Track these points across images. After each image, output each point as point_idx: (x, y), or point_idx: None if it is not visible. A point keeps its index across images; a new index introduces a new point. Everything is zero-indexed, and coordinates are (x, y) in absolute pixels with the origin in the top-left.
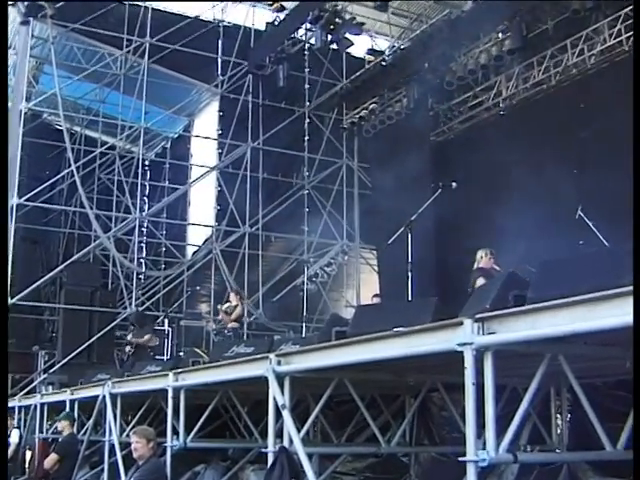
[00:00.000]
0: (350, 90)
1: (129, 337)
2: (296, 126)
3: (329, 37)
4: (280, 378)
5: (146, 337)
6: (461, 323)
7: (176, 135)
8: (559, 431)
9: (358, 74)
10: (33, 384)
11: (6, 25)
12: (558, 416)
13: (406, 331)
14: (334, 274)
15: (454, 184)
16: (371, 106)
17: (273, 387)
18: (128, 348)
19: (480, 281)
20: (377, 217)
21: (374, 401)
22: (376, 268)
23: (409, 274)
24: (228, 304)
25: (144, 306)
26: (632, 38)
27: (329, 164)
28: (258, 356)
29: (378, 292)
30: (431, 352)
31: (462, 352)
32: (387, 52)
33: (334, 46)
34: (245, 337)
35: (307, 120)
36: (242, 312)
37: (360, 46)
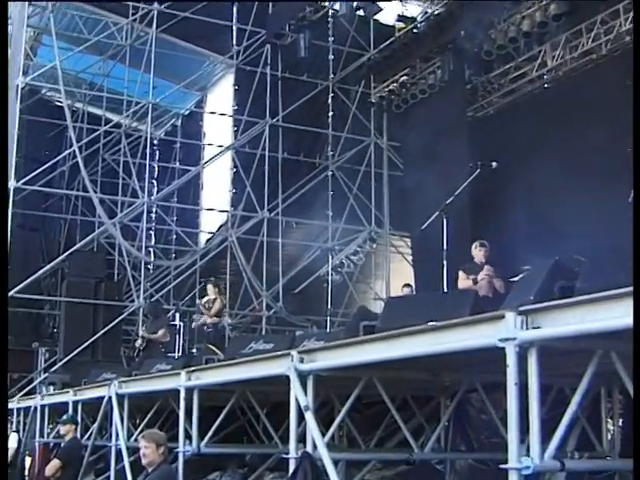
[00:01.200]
0: (378, 61)
1: (141, 331)
2: (319, 101)
3: (355, 2)
4: (303, 377)
5: (160, 332)
6: (503, 316)
7: (187, 112)
8: (610, 436)
9: (387, 43)
10: (33, 384)
11: (6, 25)
12: (609, 420)
13: (442, 325)
14: (361, 263)
15: (494, 164)
16: (402, 79)
17: (295, 387)
18: (139, 342)
19: (461, 277)
20: (409, 201)
21: (406, 403)
22: (407, 257)
23: (444, 263)
24: (207, 298)
25: (153, 299)
26: (632, 37)
27: (355, 143)
28: (278, 353)
29: (410, 283)
30: (469, 348)
31: (504, 348)
32: (419, 18)
33: (361, 12)
34: (264, 332)
35: (331, 94)
36: (222, 306)
37: (389, 12)
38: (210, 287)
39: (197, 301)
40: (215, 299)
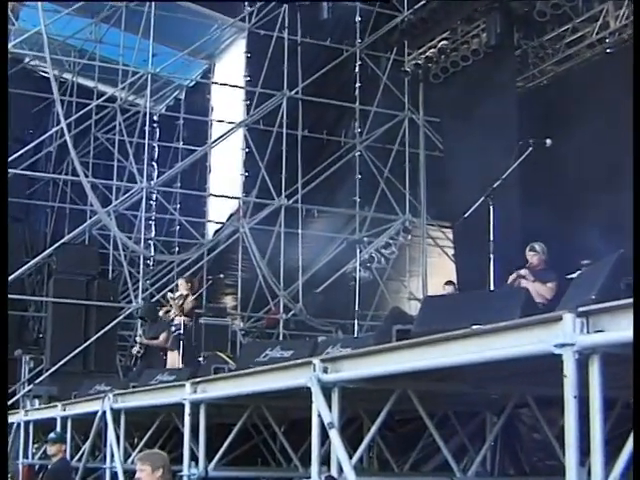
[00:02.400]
0: (413, 23)
1: (139, 337)
2: (345, 70)
3: None
4: (326, 389)
5: (161, 337)
6: (560, 318)
7: (192, 83)
8: None
9: (423, 3)
10: (15, 397)
11: (6, 25)
12: None
13: (488, 329)
14: (394, 258)
15: (548, 141)
16: (440, 44)
17: (318, 401)
18: (136, 349)
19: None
20: (449, 185)
21: (446, 419)
22: (448, 250)
23: (491, 257)
24: (179, 294)
25: (154, 299)
26: (632, 38)
27: (387, 118)
28: (298, 362)
29: (452, 280)
30: (520, 356)
31: (560, 355)
32: None
33: None
34: (281, 338)
35: (358, 62)
36: (194, 304)
37: None
38: (182, 282)
39: (168, 294)
40: (187, 296)
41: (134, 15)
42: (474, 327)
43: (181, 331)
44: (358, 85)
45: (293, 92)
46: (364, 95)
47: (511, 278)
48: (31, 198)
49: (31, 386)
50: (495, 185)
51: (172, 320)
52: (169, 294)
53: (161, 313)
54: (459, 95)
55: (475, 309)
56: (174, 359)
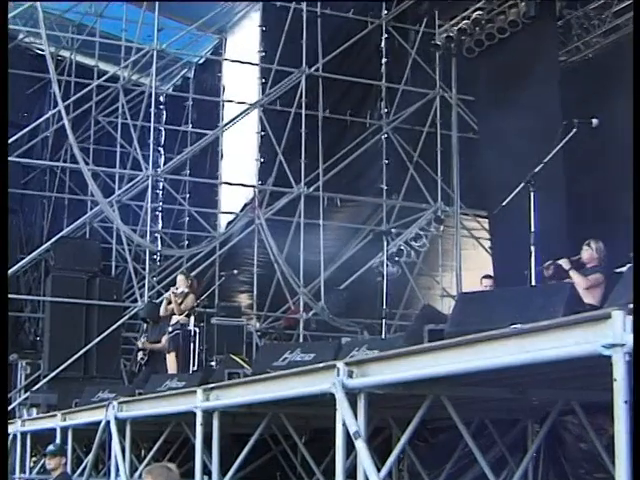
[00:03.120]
0: None
1: (141, 342)
2: (369, 44)
3: None
4: (352, 395)
5: (164, 340)
6: (608, 316)
7: (202, 60)
8: None
9: None
10: (11, 406)
11: (6, 25)
12: None
13: (529, 329)
14: (425, 251)
15: (595, 121)
16: (475, 14)
17: (342, 408)
18: (140, 355)
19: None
20: (485, 170)
21: (484, 428)
22: (484, 242)
23: (532, 249)
24: (181, 290)
25: (160, 298)
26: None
27: (416, 97)
28: (321, 365)
29: (489, 273)
30: (564, 358)
31: (609, 357)
32: None
33: None
34: (302, 340)
35: (385, 36)
36: (193, 303)
37: None
38: (181, 278)
39: (171, 290)
40: (187, 294)
41: None
42: (513, 327)
43: (179, 331)
44: (384, 61)
45: (313, 69)
46: (391, 72)
47: (546, 265)
48: (26, 188)
49: (28, 394)
50: (536, 170)
51: (170, 319)
52: (172, 288)
53: (162, 311)
54: (495, 71)
55: (514, 307)
56: (173, 362)
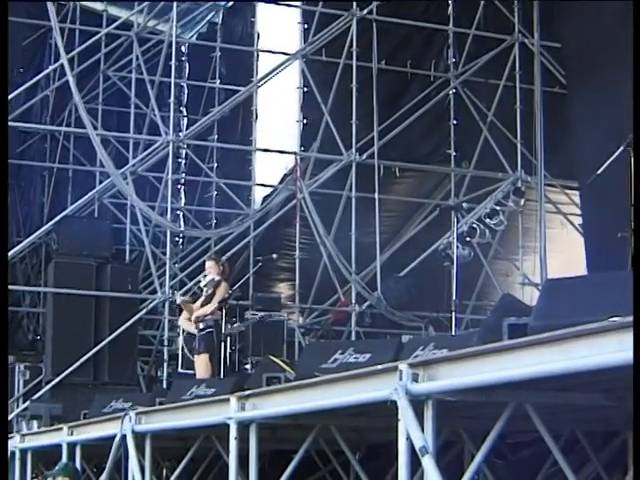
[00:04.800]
0: None
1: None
2: None
3: None
4: (417, 403)
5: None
6: None
7: (230, 3)
8: None
9: None
10: (9, 417)
11: (6, 25)
12: None
13: (630, 322)
14: (502, 230)
15: None
16: None
17: (406, 418)
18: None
19: None
20: (575, 132)
21: (575, 442)
22: (574, 218)
23: (631, 225)
24: (210, 278)
25: (184, 288)
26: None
27: (491, 44)
28: (379, 368)
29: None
30: None
31: None
32: None
33: None
34: (354, 338)
35: None
36: (226, 293)
37: None
38: (211, 264)
39: (200, 282)
40: (219, 282)
41: None
42: (612, 319)
43: (212, 329)
44: (452, 0)
45: (365, 12)
46: (460, 14)
47: None
48: (23, 158)
49: (27, 403)
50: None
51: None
52: (201, 281)
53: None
54: (588, 12)
55: (613, 296)
56: (205, 365)
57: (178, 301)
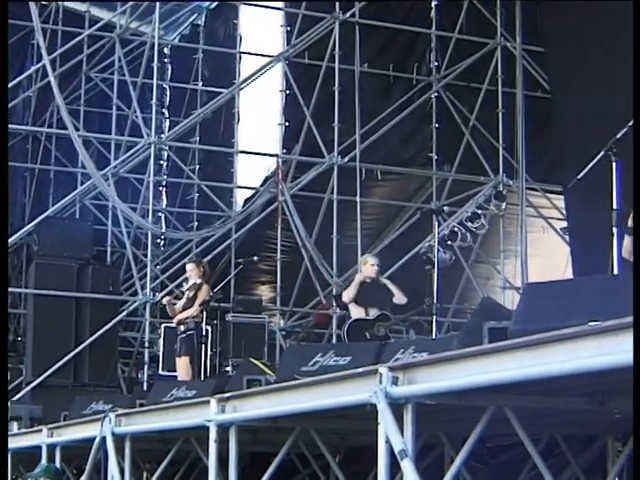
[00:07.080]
0: None
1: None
2: None
3: None
4: (397, 407)
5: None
6: None
7: (214, 4)
8: None
9: None
10: None
11: (6, 25)
12: None
13: (610, 327)
14: (483, 233)
15: None
16: None
17: (385, 422)
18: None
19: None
20: (558, 136)
21: (555, 446)
22: (556, 222)
23: (614, 230)
24: (192, 282)
25: (166, 290)
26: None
27: (473, 47)
28: (359, 371)
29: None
30: None
31: None
32: None
33: None
34: (335, 340)
35: None
36: (207, 295)
37: None
38: (192, 267)
39: (183, 285)
40: (200, 285)
41: None
42: (591, 324)
43: (193, 331)
44: (435, 4)
45: (348, 14)
46: (442, 17)
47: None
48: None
49: (8, 404)
50: (619, 135)
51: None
52: (185, 285)
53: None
54: (570, 15)
55: (593, 300)
56: (185, 368)
57: (164, 301)
